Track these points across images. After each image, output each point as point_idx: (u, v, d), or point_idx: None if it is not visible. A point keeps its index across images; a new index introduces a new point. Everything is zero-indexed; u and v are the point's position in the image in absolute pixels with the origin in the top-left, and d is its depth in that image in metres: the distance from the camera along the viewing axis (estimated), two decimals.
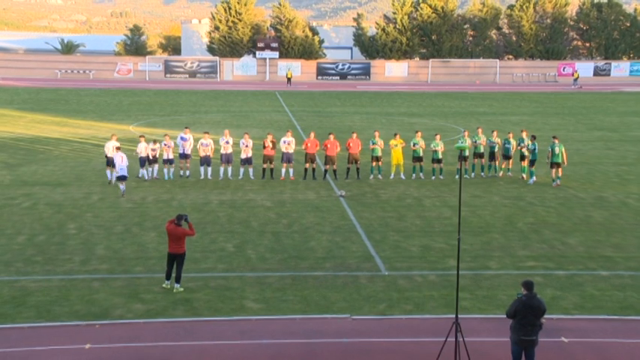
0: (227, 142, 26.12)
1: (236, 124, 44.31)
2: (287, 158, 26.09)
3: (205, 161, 26.07)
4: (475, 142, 27.34)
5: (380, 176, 26.85)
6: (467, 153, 26.46)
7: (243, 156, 26.19)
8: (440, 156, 26.75)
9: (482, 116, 49.47)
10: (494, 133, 27.40)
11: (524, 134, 27.28)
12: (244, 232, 19.45)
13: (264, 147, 26.03)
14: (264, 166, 26.05)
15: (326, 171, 26.64)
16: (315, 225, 20.27)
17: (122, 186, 23.40)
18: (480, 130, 27.73)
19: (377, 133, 27.06)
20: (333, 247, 18.10)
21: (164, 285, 15.00)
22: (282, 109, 53.53)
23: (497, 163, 27.38)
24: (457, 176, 26.81)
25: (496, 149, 27.15)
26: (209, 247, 17.96)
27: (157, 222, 20.23)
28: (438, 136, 27.03)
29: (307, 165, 26.29)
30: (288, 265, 16.68)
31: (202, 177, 26.19)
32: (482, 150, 27.35)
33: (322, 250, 17.88)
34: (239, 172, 26.45)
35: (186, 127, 27.18)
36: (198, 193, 24.24)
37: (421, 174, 26.78)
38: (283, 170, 26.21)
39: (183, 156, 26.42)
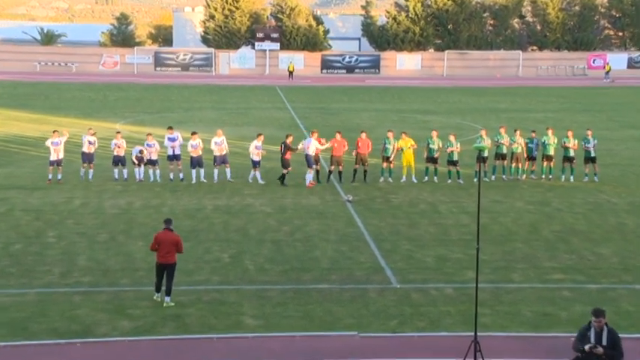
0: (216, 143, 26.18)
1: (233, 122, 44.37)
2: (221, 160, 26.14)
3: (197, 163, 26.09)
4: (497, 141, 27.28)
5: (390, 179, 26.81)
6: (486, 153, 26.50)
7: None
8: (456, 157, 26.70)
9: (504, 113, 49.41)
10: (517, 133, 27.35)
11: (589, 133, 27.20)
12: (241, 241, 19.42)
13: (289, 150, 26.01)
14: (284, 171, 26.08)
15: (330, 172, 26.62)
16: (320, 233, 20.23)
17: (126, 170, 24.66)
18: (502, 130, 27.66)
19: (391, 134, 27.00)
20: (339, 258, 18.06)
21: (155, 297, 14.97)
22: (283, 106, 53.56)
23: (520, 164, 27.33)
24: (475, 179, 26.74)
25: (519, 150, 27.10)
26: (203, 258, 17.94)
27: (146, 229, 20.22)
28: (452, 136, 27.00)
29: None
30: (289, 277, 16.64)
31: (194, 181, 26.20)
32: (504, 150, 27.30)
33: (327, 260, 17.84)
34: (225, 175, 26.52)
35: (169, 127, 27.25)
36: (191, 197, 24.24)
37: (435, 177, 26.72)
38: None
39: (173, 157, 26.44)
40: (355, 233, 20.31)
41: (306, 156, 26.12)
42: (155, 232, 15.49)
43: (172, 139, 26.53)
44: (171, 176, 26.60)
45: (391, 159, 26.66)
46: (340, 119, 45.54)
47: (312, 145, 26.05)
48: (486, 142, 26.54)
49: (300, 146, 26.30)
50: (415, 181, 26.78)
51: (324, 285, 16.13)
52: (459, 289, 15.98)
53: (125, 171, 26.36)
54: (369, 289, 15.89)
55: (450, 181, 26.80)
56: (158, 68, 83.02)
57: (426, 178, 26.84)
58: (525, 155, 27.44)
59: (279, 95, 61.40)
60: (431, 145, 26.66)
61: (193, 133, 26.69)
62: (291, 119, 45.99)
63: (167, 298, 14.92)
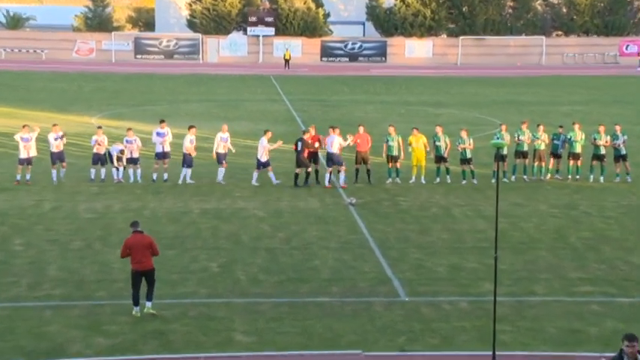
0: (222, 139, 26.32)
1: (222, 115, 44.37)
2: (223, 158, 26.33)
3: (191, 162, 26.12)
4: (517, 137, 27.28)
5: (398, 180, 26.83)
6: (505, 151, 26.50)
7: (160, 149, 26.31)
8: (469, 155, 26.71)
9: (525, 106, 49.46)
10: (541, 128, 27.36)
11: (617, 128, 27.23)
12: (232, 249, 19.43)
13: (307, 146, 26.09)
14: (298, 171, 26.15)
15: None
16: (319, 240, 20.24)
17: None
18: (524, 125, 27.64)
19: (392, 129, 27.03)
20: (341, 267, 18.06)
21: (134, 312, 14.98)
22: (278, 98, 53.58)
23: (543, 163, 27.35)
24: (493, 180, 26.76)
25: (542, 147, 27.11)
26: (189, 267, 17.94)
27: (124, 236, 20.00)
28: (464, 132, 27.00)
29: (358, 166, 26.55)
30: (285, 288, 16.65)
31: (181, 181, 26.21)
32: (525, 148, 27.31)
33: (327, 270, 17.85)
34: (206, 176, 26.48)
35: (162, 121, 27.25)
36: (176, 200, 24.25)
37: (448, 177, 26.72)
38: (155, 175, 26.32)
39: (162, 155, 26.45)
40: (359, 240, 20.31)
41: (328, 154, 26.19)
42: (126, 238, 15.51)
43: (162, 135, 26.56)
44: (155, 176, 26.60)
45: (401, 157, 26.62)
46: (342, 113, 45.59)
47: (336, 142, 26.12)
48: (506, 139, 26.51)
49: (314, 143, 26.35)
50: (424, 182, 26.81)
51: (324, 298, 16.12)
52: (474, 302, 15.96)
53: (103, 171, 26.34)
54: (374, 303, 15.88)
55: (464, 181, 26.82)
56: (139, 56, 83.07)
57: (438, 179, 26.84)
58: (550, 153, 27.45)
59: (274, 86, 61.42)
60: (437, 143, 26.68)
61: (191, 127, 26.70)
62: (287, 112, 46.01)
63: (148, 303, 14.96)
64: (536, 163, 27.37)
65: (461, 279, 17.35)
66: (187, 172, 26.27)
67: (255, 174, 26.33)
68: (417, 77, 69.52)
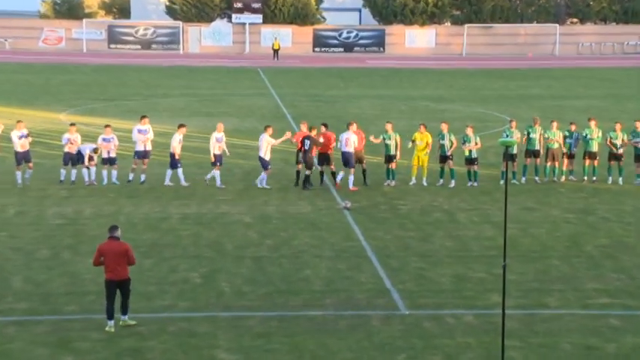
0: (217, 140, 26.29)
1: (205, 111, 44.38)
2: (219, 160, 26.29)
3: (175, 163, 26.18)
4: (528, 135, 27.31)
5: (394, 182, 26.86)
6: (515, 150, 26.53)
7: (141, 148, 26.27)
8: (474, 155, 26.72)
9: (537, 101, 49.58)
10: (554, 125, 27.40)
11: (638, 125, 27.18)
12: (215, 258, 19.41)
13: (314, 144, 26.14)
14: (308, 172, 26.15)
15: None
16: (311, 247, 20.24)
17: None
18: (536, 122, 27.64)
19: (389, 126, 27.04)
20: (335, 278, 18.07)
21: (107, 327, 14.96)
22: (266, 92, 53.56)
23: (557, 164, 27.39)
24: (502, 181, 26.80)
25: (555, 146, 27.14)
26: (167, 278, 17.92)
27: (97, 244, 20.12)
28: (469, 129, 27.00)
29: (364, 165, 26.64)
30: (274, 301, 16.64)
31: (167, 182, 26.16)
32: (537, 146, 27.35)
33: (320, 281, 17.85)
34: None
35: (143, 117, 27.17)
36: (153, 204, 24.23)
37: (453, 180, 26.73)
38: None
39: (142, 154, 26.42)
40: (354, 248, 20.32)
41: (344, 154, 26.20)
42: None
43: (144, 132, 26.57)
44: (131, 176, 26.56)
45: (397, 157, 26.63)
46: (336, 109, 45.59)
47: (352, 140, 26.15)
48: (515, 137, 26.57)
49: (321, 139, 26.26)
50: (426, 184, 26.84)
51: (317, 311, 16.11)
52: (481, 316, 15.97)
53: (74, 172, 26.22)
54: (371, 317, 15.89)
55: (470, 183, 26.84)
56: (112, 46, 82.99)
57: (441, 181, 26.85)
58: (564, 152, 27.49)
59: (262, 79, 61.41)
60: (442, 141, 26.71)
61: (181, 126, 26.68)
62: (276, 108, 46.01)
63: (124, 317, 14.95)
64: (548, 164, 27.40)
65: (466, 290, 17.36)
66: (169, 173, 26.21)
67: (265, 176, 26.19)
68: (418, 69, 69.61)
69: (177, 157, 25.97)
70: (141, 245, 19.66)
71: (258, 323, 15.50)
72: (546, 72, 68.13)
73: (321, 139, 26.29)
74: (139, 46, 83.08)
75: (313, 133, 26.35)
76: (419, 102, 48.96)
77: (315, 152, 26.29)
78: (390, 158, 26.71)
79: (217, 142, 26.22)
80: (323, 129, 26.80)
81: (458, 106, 47.50)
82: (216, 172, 26.22)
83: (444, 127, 26.92)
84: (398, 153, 26.69)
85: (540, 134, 27.38)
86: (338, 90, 55.12)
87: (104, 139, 26.24)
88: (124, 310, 14.97)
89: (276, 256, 19.51)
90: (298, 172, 26.53)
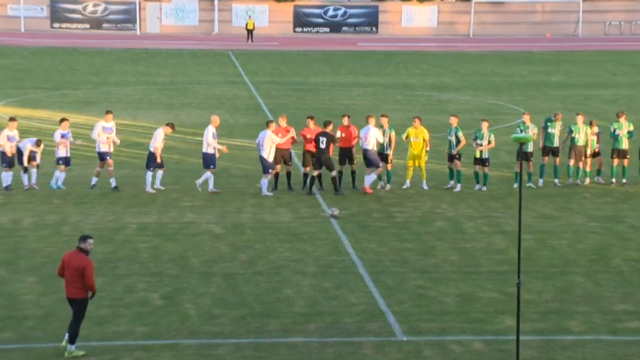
0: (215, 136, 26.27)
1: (166, 102, 44.26)
2: (107, 155, 26.23)
3: (159, 163, 26.16)
4: (545, 129, 27.36)
5: (389, 185, 26.90)
6: (530, 148, 26.57)
7: (105, 148, 26.20)
8: (486, 154, 26.71)
9: (556, 89, 49.70)
10: (579, 118, 27.41)
11: None
12: (179, 275, 19.36)
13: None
14: (316, 172, 26.15)
15: (305, 176, 26.69)
16: (292, 263, 20.23)
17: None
18: (557, 117, 27.66)
19: (384, 120, 27.03)
20: (320, 298, 18.06)
21: (63, 344, 14.96)
22: (239, 80, 53.43)
23: (581, 163, 27.46)
24: (516, 184, 26.86)
25: (579, 143, 27.19)
26: (123, 300, 17.85)
27: (39, 259, 20.11)
28: (484, 123, 26.99)
29: (341, 167, 26.69)
30: (248, 326, 16.61)
31: (148, 187, 26.11)
32: (556, 144, 27.42)
33: (303, 302, 17.83)
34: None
35: (108, 112, 26.99)
36: (106, 212, 24.16)
37: (458, 184, 26.79)
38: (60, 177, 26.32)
39: (107, 155, 26.34)
40: (343, 263, 20.30)
41: (365, 152, 26.21)
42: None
43: (109, 130, 26.50)
44: (94, 181, 26.43)
45: (390, 156, 26.65)
46: (321, 99, 45.55)
47: (372, 136, 26.10)
48: (531, 132, 26.60)
49: (338, 135, 26.23)
50: (426, 187, 26.84)
51: (299, 338, 16.08)
52: (491, 342, 15.97)
53: (10, 174, 26.12)
54: (362, 344, 15.85)
55: (478, 187, 26.88)
56: (56, 24, 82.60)
57: (451, 183, 26.86)
58: (589, 150, 27.51)
59: (234, 64, 61.25)
60: (449, 137, 26.74)
61: (169, 124, 26.56)
62: (251, 99, 45.91)
63: (70, 347, 14.91)
64: (571, 163, 27.49)
65: (474, 313, 17.36)
66: (159, 174, 26.16)
67: (265, 181, 26.07)
68: (417, 53, 69.63)
69: (159, 158, 25.98)
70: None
71: (229, 352, 15.44)
72: (567, 56, 68.27)
73: (339, 134, 26.30)
74: (87, 25, 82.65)
75: (329, 129, 26.27)
76: (418, 91, 48.99)
77: (332, 151, 26.17)
78: (383, 157, 26.71)
79: (214, 139, 26.03)
80: (346, 121, 26.78)
81: (464, 95, 47.56)
82: (209, 175, 26.13)
83: (453, 120, 26.87)
84: (391, 151, 26.64)
85: (560, 129, 27.43)
86: (324, 77, 55.03)
87: (63, 135, 26.16)
88: (71, 338, 14.87)
89: (251, 273, 19.46)
90: (306, 176, 26.53)
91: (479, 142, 26.58)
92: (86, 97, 44.46)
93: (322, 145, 25.90)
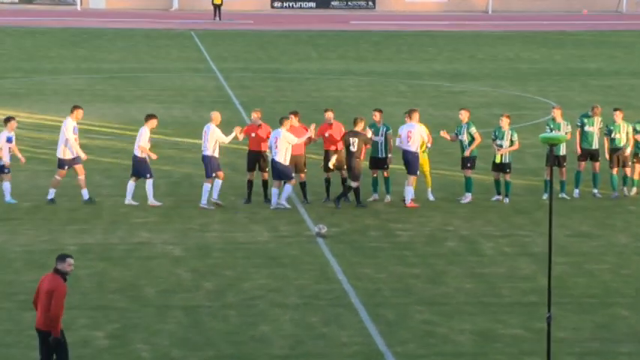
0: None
1: (113, 94, 44.17)
2: (143, 170, 26.37)
3: (146, 170, 26.25)
4: (581, 127, 27.37)
5: (389, 197, 26.95)
6: (562, 151, 26.58)
7: (69, 155, 26.27)
8: (508, 158, 26.75)
9: (595, 79, 49.76)
10: (617, 115, 27.38)
11: None
12: (129, 309, 19.31)
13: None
14: (355, 184, 26.18)
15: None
16: (270, 292, 20.19)
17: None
18: (595, 112, 27.69)
19: (378, 114, 27.05)
20: (305, 336, 18.06)
21: None
22: (203, 67, 53.37)
23: (626, 170, 27.49)
24: (545, 195, 26.92)
25: (621, 144, 27.23)
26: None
27: None
28: (504, 119, 26.93)
29: (328, 174, 26.78)
30: None
31: (130, 199, 26.23)
32: (595, 146, 27.43)
33: (283, 341, 17.82)
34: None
35: (77, 107, 26.85)
36: (39, 230, 24.10)
37: (469, 195, 26.79)
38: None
39: (75, 161, 26.30)
40: (333, 292, 20.24)
41: (405, 153, 26.23)
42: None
43: (76, 131, 26.54)
44: (52, 194, 26.35)
45: (388, 159, 26.64)
46: (305, 90, 45.55)
47: (416, 136, 26.06)
48: (563, 130, 26.59)
49: (372, 136, 26.20)
50: (432, 198, 26.92)
51: None
52: None
53: None
54: None
55: (498, 198, 26.95)
56: None
57: (468, 195, 26.89)
58: (628, 151, 27.53)
59: (197, 48, 61.18)
60: (460, 137, 26.80)
61: (150, 117, 26.60)
62: (219, 90, 45.87)
63: None
64: (613, 171, 27.53)
65: (495, 354, 17.35)
66: (132, 187, 26.20)
67: (287, 191, 26.09)
68: (424, 33, 69.67)
69: (147, 161, 26.15)
70: (20, 291, 19.52)
71: None
72: (609, 37, 68.40)
73: (371, 134, 26.24)
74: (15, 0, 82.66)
75: (359, 127, 26.27)
76: (426, 80, 49.01)
77: (363, 154, 26.21)
78: (377, 163, 26.70)
79: (215, 138, 26.03)
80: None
81: (481, 85, 47.58)
82: (216, 182, 26.17)
83: (464, 115, 26.85)
84: (389, 154, 26.64)
85: (600, 127, 27.46)
86: (309, 63, 55.03)
87: (9, 139, 26.18)
88: None
89: (219, 306, 19.41)
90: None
91: (499, 142, 26.62)
92: (14, 88, 44.38)
93: (353, 148, 25.89)
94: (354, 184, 26.07)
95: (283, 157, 25.80)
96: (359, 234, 24.18)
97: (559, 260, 21.46)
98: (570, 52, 60.13)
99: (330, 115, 26.99)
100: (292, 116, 26.69)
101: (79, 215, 25.36)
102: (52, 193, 26.45)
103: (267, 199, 26.62)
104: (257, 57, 57.60)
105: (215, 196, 26.21)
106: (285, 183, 26.07)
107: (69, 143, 26.26)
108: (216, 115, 26.81)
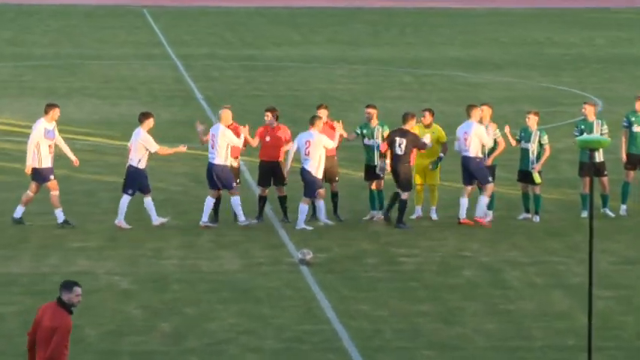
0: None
1: (45, 86, 44.26)
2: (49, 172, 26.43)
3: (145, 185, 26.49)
4: (629, 127, 27.44)
5: (378, 214, 27.10)
6: (601, 157, 26.60)
7: (48, 162, 26.49)
8: (534, 164, 26.74)
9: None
10: None
11: None
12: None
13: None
14: (405, 195, 26.43)
15: (262, 199, 27.03)
16: (242, 335, 20.18)
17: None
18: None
19: (373, 112, 27.09)
20: None
21: None
22: (159, 53, 53.62)
23: None
24: (584, 213, 26.93)
25: None
26: None
27: None
28: (531, 117, 27.05)
29: (335, 185, 27.12)
30: None
31: (156, 221, 26.34)
32: None
33: None
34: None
35: (53, 106, 26.97)
36: None
37: (489, 213, 26.82)
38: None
39: (48, 174, 26.54)
40: (321, 334, 20.25)
41: (465, 159, 26.42)
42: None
43: (52, 135, 26.70)
44: (20, 212, 26.52)
45: (386, 168, 26.70)
46: (286, 82, 45.78)
47: (475, 136, 26.25)
48: (596, 132, 26.63)
49: (425, 140, 26.39)
50: (435, 217, 27.20)
51: None
52: None
53: None
54: None
55: (525, 216, 27.08)
56: None
57: (490, 214, 26.86)
58: None
59: (151, 29, 61.39)
60: (527, 144, 26.79)
61: (146, 116, 26.84)
62: (178, 82, 46.07)
63: None
64: None
65: None
66: (148, 200, 26.48)
67: (305, 208, 26.36)
68: (433, 11, 70.06)
69: (142, 170, 26.46)
70: None
71: None
72: None
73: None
74: None
75: (410, 125, 26.33)
76: (437, 70, 49.27)
77: (414, 159, 26.41)
78: (372, 172, 26.77)
79: (227, 142, 26.19)
80: (323, 115, 26.95)
81: (505, 75, 47.88)
82: (235, 200, 26.38)
83: (485, 113, 26.94)
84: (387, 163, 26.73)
85: None
86: (290, 48, 55.33)
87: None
88: None
89: (178, 352, 19.39)
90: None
91: (523, 145, 26.69)
92: None
93: (400, 151, 26.02)
94: (404, 196, 26.20)
95: (316, 166, 25.99)
96: (352, 261, 24.26)
97: (602, 294, 21.52)
98: (615, 35, 60.54)
99: (323, 112, 26.99)
100: (322, 111, 26.92)
101: (2, 239, 25.33)
102: (19, 212, 26.58)
103: (286, 216, 26.79)
104: (226, 40, 57.91)
105: (241, 216, 26.51)
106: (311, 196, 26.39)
107: (37, 149, 26.37)
108: (226, 114, 26.86)
